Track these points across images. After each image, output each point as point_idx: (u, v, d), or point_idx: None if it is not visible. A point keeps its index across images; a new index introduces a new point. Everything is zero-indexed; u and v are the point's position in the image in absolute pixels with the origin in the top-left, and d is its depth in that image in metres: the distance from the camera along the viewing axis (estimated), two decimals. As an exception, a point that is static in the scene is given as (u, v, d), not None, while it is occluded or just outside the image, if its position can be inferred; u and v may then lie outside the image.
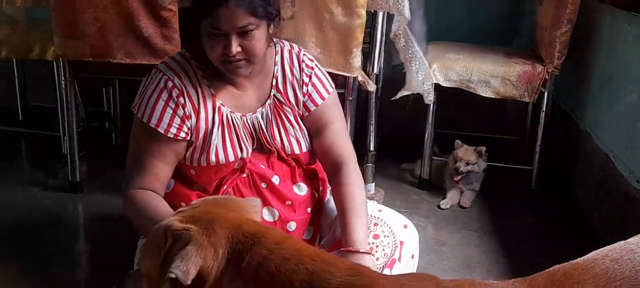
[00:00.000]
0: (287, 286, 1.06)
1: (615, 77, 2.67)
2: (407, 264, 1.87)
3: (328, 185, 1.94)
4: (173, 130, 1.72)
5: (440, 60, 3.03)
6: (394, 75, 3.16)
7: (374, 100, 3.01)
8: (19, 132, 3.77)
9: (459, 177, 3.06)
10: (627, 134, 2.52)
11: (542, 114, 3.06)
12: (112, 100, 3.51)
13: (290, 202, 1.83)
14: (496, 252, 2.71)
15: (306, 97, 1.87)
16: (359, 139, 3.03)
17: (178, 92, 1.72)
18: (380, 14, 2.81)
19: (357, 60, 2.62)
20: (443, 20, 4.00)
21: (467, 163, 3.06)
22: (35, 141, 3.69)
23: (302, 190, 1.87)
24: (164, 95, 1.72)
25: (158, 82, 1.73)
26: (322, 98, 1.88)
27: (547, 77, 2.94)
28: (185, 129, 1.74)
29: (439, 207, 3.08)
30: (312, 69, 1.88)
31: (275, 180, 1.83)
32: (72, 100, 2.93)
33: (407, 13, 2.63)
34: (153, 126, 1.71)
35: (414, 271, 1.91)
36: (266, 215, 1.80)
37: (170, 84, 1.72)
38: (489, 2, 4.02)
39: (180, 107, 1.72)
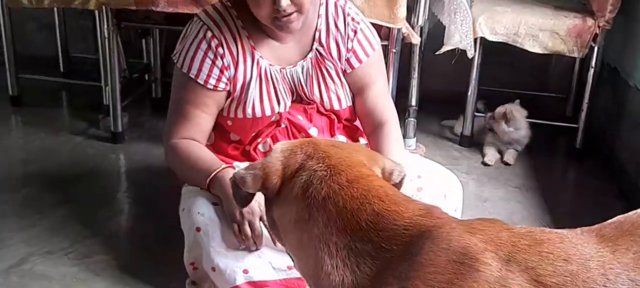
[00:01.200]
0: (353, 223, 1.06)
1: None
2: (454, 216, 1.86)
3: None
4: (212, 81, 1.71)
5: (487, 13, 2.94)
6: (438, 30, 3.09)
7: (417, 54, 2.95)
8: (61, 82, 3.80)
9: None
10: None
11: (591, 71, 2.97)
12: (152, 51, 3.51)
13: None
14: (539, 208, 2.67)
15: (350, 53, 1.83)
16: (400, 94, 3.00)
17: (217, 42, 1.71)
18: (424, -38, 2.75)
19: (402, 11, 2.56)
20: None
21: (517, 129, 3.01)
22: (77, 91, 3.72)
23: (344, 139, 1.86)
24: (203, 46, 1.71)
25: (197, 32, 1.73)
26: (367, 54, 1.85)
27: (597, 32, 2.85)
28: (224, 79, 1.73)
29: (483, 163, 3.04)
30: (358, 23, 1.84)
31: (313, 132, 1.82)
32: (114, 50, 2.94)
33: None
34: (193, 77, 1.71)
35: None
36: None
37: (209, 34, 1.71)
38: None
39: (219, 57, 1.71)
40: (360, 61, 1.84)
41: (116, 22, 2.89)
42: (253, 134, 1.80)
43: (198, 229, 1.61)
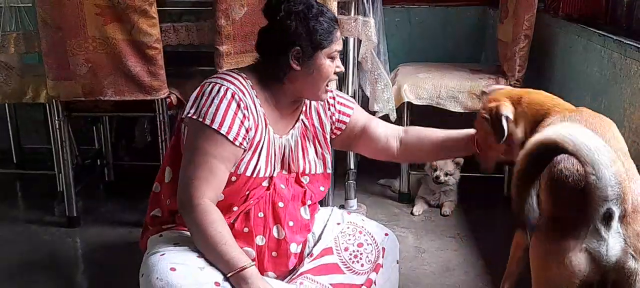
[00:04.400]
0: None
1: (571, 85, 2.88)
2: (392, 269, 2.05)
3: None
4: (239, 139, 1.80)
5: (411, 80, 3.24)
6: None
7: (350, 122, 3.19)
8: (14, 174, 3.91)
9: (438, 185, 3.29)
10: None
11: (508, 124, 3.25)
12: (103, 137, 3.67)
13: (293, 223, 1.95)
14: (474, 255, 2.89)
15: (335, 115, 2.09)
16: (339, 159, 3.22)
17: (244, 104, 1.82)
18: (351, 40, 3.03)
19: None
20: (414, 44, 4.24)
21: (446, 174, 3.27)
22: (30, 181, 3.84)
23: (305, 214, 2.01)
24: (233, 105, 1.79)
25: (225, 93, 1.80)
26: (351, 108, 2.13)
27: (510, 90, 3.15)
28: (248, 139, 1.84)
29: (411, 213, 3.30)
30: (332, 91, 2.10)
31: (281, 205, 1.95)
32: (66, 138, 3.09)
33: (374, 38, 2.85)
34: (224, 133, 1.77)
35: (397, 276, 2.09)
36: (274, 233, 1.92)
37: (237, 96, 1.81)
38: (457, 24, 4.24)
39: (246, 118, 1.82)
40: (348, 116, 2.12)
41: (66, 112, 3.06)
42: (244, 194, 1.90)
43: None
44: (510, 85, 3.13)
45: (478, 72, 3.32)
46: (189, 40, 3.04)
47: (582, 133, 1.42)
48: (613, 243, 1.43)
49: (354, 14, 2.95)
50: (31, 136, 4.08)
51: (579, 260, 1.44)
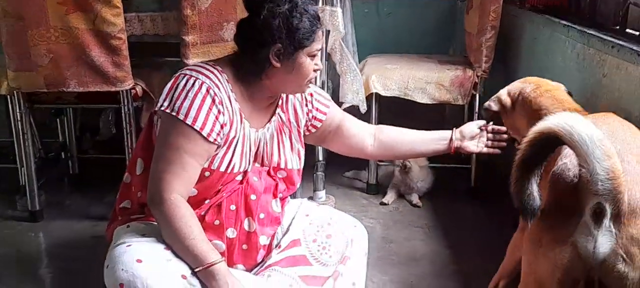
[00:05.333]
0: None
1: (536, 75, 2.91)
2: (360, 260, 2.05)
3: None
4: (213, 135, 1.77)
5: (379, 71, 3.24)
6: (339, 88, 3.34)
7: (318, 113, 3.19)
8: (-26, 168, 3.81)
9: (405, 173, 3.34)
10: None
11: (475, 115, 3.28)
12: (67, 129, 3.60)
13: (264, 216, 1.94)
14: (440, 245, 2.92)
15: (312, 112, 2.07)
16: (308, 151, 3.19)
17: (219, 99, 1.78)
18: (320, 31, 3.01)
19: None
20: (383, 35, 4.25)
21: (422, 180, 3.33)
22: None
23: (276, 207, 1.99)
24: (208, 100, 1.76)
25: (199, 87, 1.76)
26: (327, 106, 2.12)
27: (477, 80, 3.18)
28: (222, 134, 1.81)
29: (381, 203, 3.32)
30: (310, 86, 2.05)
31: (253, 198, 1.93)
32: (28, 131, 3.02)
33: (341, 28, 2.84)
34: (197, 129, 1.74)
35: (364, 268, 2.09)
36: (245, 225, 1.90)
37: (212, 91, 1.78)
38: (425, 15, 4.27)
39: (221, 113, 1.79)
40: (324, 113, 2.10)
41: (28, 104, 3.00)
42: (217, 189, 1.87)
43: (121, 285, 1.66)
44: (477, 75, 3.16)
45: (445, 63, 3.34)
46: (154, 30, 2.98)
47: (581, 123, 1.38)
48: (602, 241, 1.39)
49: (322, 4, 2.93)
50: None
51: (564, 253, 1.43)
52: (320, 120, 2.11)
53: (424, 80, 3.20)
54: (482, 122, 2.22)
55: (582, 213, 1.41)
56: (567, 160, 1.51)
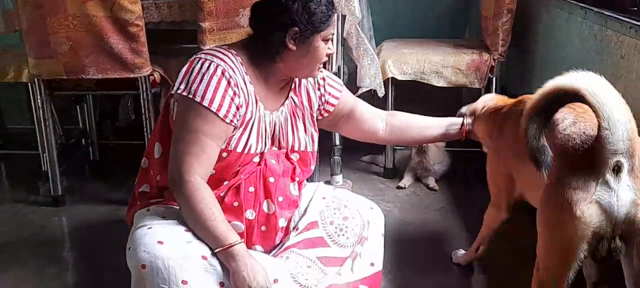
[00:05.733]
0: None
1: (554, 58, 2.91)
2: (378, 241, 2.07)
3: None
4: (230, 116, 1.81)
5: (395, 55, 3.24)
6: (356, 73, 3.35)
7: (334, 97, 3.20)
8: (-1, 154, 3.89)
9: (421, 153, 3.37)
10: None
11: (492, 99, 3.28)
12: (87, 116, 3.65)
13: (282, 199, 1.97)
14: (458, 228, 2.93)
15: (325, 96, 2.10)
16: (324, 135, 3.21)
17: (234, 81, 1.82)
18: (335, 16, 3.01)
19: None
20: (398, 20, 4.24)
21: (439, 163, 3.36)
22: (15, 161, 3.83)
23: (294, 190, 2.03)
24: (224, 83, 1.79)
25: (214, 70, 1.80)
26: (340, 91, 2.15)
27: (493, 64, 3.17)
28: (238, 116, 1.84)
29: (397, 187, 3.34)
30: (322, 72, 2.10)
31: (272, 180, 1.96)
32: (49, 118, 3.07)
33: (358, 13, 2.85)
34: (214, 110, 1.77)
35: (382, 249, 2.11)
36: (265, 207, 1.93)
37: (227, 73, 1.81)
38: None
39: (236, 95, 1.82)
40: (337, 98, 2.13)
41: (49, 91, 3.04)
42: (236, 169, 1.91)
43: (143, 266, 1.69)
44: (494, 59, 3.16)
45: (461, 47, 3.33)
46: (171, 17, 3.01)
47: (603, 87, 1.51)
48: (623, 195, 1.53)
49: (338, -11, 2.94)
50: (14, 116, 4.07)
51: (590, 211, 1.54)
52: (333, 105, 2.14)
53: (440, 64, 3.20)
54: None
55: (601, 172, 1.54)
56: (569, 131, 1.65)
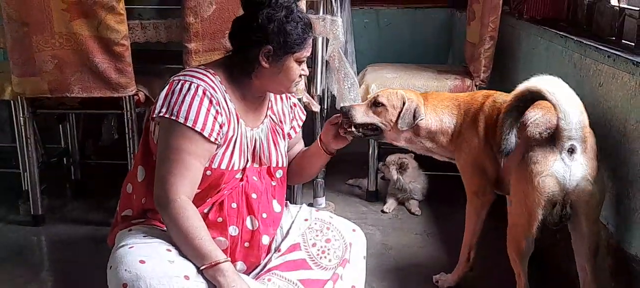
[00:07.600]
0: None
1: (535, 85, 2.96)
2: (359, 264, 2.07)
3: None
4: (214, 135, 1.82)
5: (379, 80, 3.28)
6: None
7: (318, 120, 3.23)
8: (-23, 172, 3.84)
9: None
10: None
11: (474, 124, 3.32)
12: (69, 135, 3.63)
13: (266, 215, 1.98)
14: (439, 251, 2.95)
15: (294, 121, 2.15)
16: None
17: (216, 100, 1.84)
18: (320, 39, 3.05)
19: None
20: (383, 45, 4.29)
21: (414, 181, 3.42)
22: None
23: (277, 207, 2.04)
24: (206, 102, 1.81)
25: (196, 90, 1.81)
26: (300, 126, 2.20)
27: (475, 90, 3.21)
28: (221, 134, 1.86)
29: (382, 211, 3.35)
30: (292, 98, 2.16)
31: (254, 196, 1.97)
32: (31, 136, 3.05)
33: (341, 37, 2.88)
34: (198, 130, 1.78)
35: (364, 271, 2.11)
36: (248, 224, 1.94)
37: (208, 93, 1.83)
38: (425, 26, 4.32)
39: (219, 114, 1.84)
40: (300, 127, 2.19)
41: (32, 110, 3.03)
42: (218, 187, 1.91)
43: (125, 285, 1.68)
44: (476, 85, 3.20)
45: (444, 73, 3.38)
46: (157, 37, 3.03)
47: (561, 87, 1.94)
48: (575, 171, 1.95)
49: (323, 13, 2.97)
50: (-6, 134, 4.03)
51: (547, 181, 1.96)
52: (296, 132, 2.19)
53: (423, 89, 3.22)
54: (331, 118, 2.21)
55: (557, 153, 1.96)
56: (535, 120, 2.08)
